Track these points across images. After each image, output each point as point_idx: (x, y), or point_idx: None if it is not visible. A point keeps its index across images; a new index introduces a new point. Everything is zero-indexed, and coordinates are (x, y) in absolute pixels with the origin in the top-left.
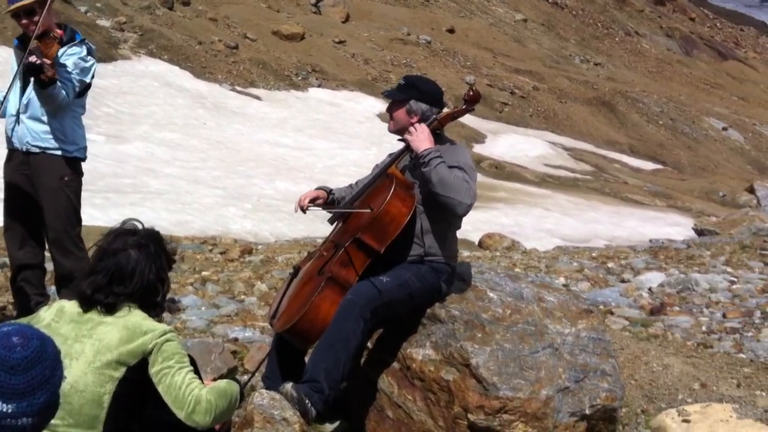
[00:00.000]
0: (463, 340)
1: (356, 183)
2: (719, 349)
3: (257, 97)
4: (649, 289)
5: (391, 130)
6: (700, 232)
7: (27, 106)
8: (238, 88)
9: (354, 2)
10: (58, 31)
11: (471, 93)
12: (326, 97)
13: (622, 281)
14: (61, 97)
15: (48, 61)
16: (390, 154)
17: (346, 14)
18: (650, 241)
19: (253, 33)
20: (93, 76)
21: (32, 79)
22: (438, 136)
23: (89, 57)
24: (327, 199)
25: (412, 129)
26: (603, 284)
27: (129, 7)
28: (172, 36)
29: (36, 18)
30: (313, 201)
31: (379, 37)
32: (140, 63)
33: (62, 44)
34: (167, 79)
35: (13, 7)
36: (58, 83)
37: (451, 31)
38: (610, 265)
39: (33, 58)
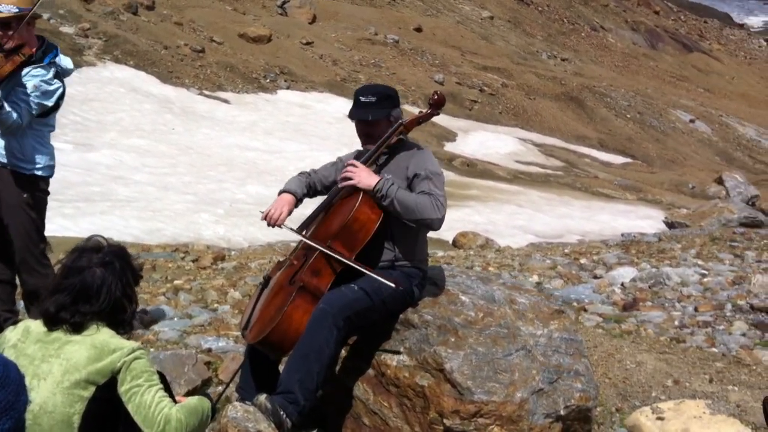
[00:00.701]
0: (437, 345)
1: (315, 171)
2: (692, 343)
3: (225, 101)
4: (622, 284)
5: (370, 147)
6: (670, 225)
7: None
8: (206, 92)
9: (320, 3)
10: (30, 51)
11: (436, 97)
12: (296, 99)
13: (595, 277)
14: (11, 121)
15: None
16: (358, 151)
17: (313, 15)
18: (622, 235)
19: (219, 36)
20: (60, 98)
21: None
22: (402, 142)
23: (55, 80)
24: (296, 205)
25: (349, 171)
26: (576, 281)
27: (92, 13)
28: (138, 41)
29: (10, 32)
30: (288, 213)
31: (347, 38)
32: (106, 69)
33: (27, 64)
34: (133, 84)
35: None
36: (6, 107)
37: (419, 29)
38: (582, 261)
39: None
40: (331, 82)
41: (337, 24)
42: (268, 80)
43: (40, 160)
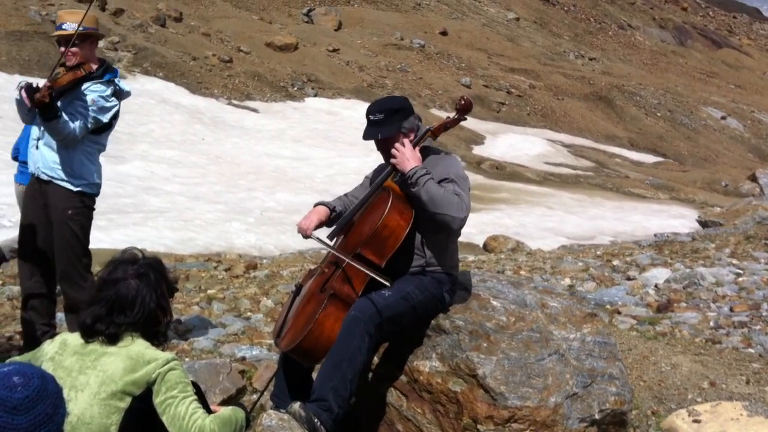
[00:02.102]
0: (469, 350)
1: (346, 195)
2: (727, 344)
3: (254, 110)
4: (655, 285)
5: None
6: (704, 224)
7: (43, 132)
8: (235, 102)
9: (345, 10)
10: (93, 66)
11: (463, 102)
12: (323, 106)
13: (628, 279)
14: (67, 131)
15: (48, 84)
16: (381, 165)
17: (339, 22)
18: (655, 235)
19: (246, 46)
20: (115, 117)
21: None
22: (428, 148)
23: (112, 98)
24: (330, 217)
25: (396, 149)
26: (609, 283)
27: (121, 26)
28: (166, 53)
29: (74, 50)
30: (317, 225)
31: (373, 44)
32: (136, 81)
33: (88, 79)
34: (163, 96)
35: (55, 34)
36: (64, 116)
37: (444, 33)
38: (615, 262)
39: (35, 82)
40: (358, 88)
41: (363, 30)
42: (295, 88)
43: (88, 177)
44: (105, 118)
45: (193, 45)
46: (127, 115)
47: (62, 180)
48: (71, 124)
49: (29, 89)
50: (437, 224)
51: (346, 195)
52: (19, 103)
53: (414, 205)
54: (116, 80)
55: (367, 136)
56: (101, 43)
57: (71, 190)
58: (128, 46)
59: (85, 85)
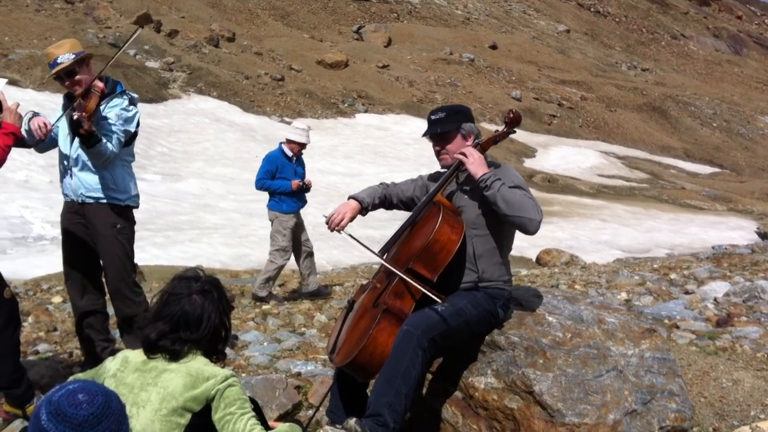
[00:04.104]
0: (525, 366)
1: (394, 184)
2: None
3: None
4: (715, 299)
5: (448, 164)
6: (763, 235)
7: (77, 159)
8: (287, 119)
9: (395, 26)
10: (100, 85)
11: (511, 115)
12: (373, 122)
13: (686, 293)
14: (108, 152)
15: (85, 115)
16: (430, 174)
17: (388, 38)
18: (713, 247)
19: (297, 64)
20: (138, 125)
21: (78, 138)
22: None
23: (131, 107)
24: (361, 212)
25: (465, 154)
26: (666, 297)
27: (176, 47)
28: (220, 72)
29: (78, 78)
30: (350, 219)
31: (422, 59)
32: (190, 101)
33: (103, 97)
34: (217, 114)
35: (53, 71)
36: (103, 140)
37: (494, 47)
38: (672, 276)
39: (74, 115)
40: (408, 104)
41: (412, 46)
42: (346, 105)
43: (131, 190)
44: (132, 127)
45: (246, 64)
46: (183, 134)
47: (108, 198)
48: (109, 145)
49: (75, 124)
50: (514, 228)
51: (392, 184)
52: (29, 133)
53: (468, 215)
54: (126, 89)
55: (427, 132)
56: (156, 64)
57: (119, 206)
58: (183, 66)
59: (101, 105)
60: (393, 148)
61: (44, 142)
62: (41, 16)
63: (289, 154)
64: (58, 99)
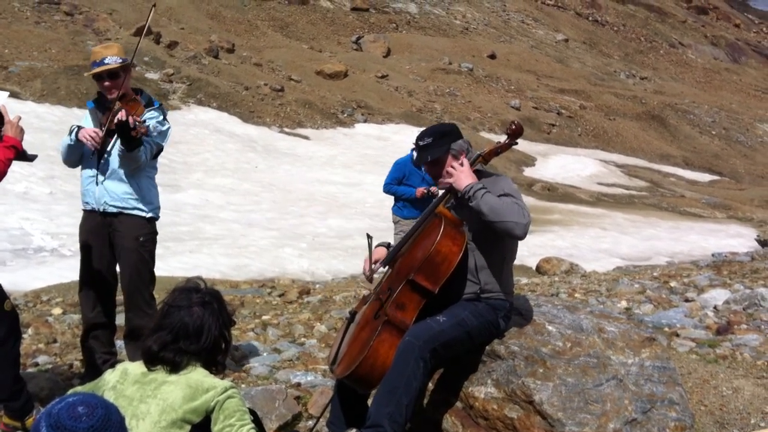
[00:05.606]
0: (525, 376)
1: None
2: None
3: (305, 137)
4: (715, 307)
5: (445, 187)
6: (763, 243)
7: (105, 167)
8: (287, 130)
9: (394, 36)
10: (137, 96)
11: (513, 126)
12: (373, 132)
13: (686, 300)
14: (142, 159)
15: (140, 119)
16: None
17: (387, 49)
18: (713, 255)
19: (297, 74)
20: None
21: (118, 139)
22: (479, 172)
23: (165, 121)
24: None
25: (449, 170)
26: (666, 305)
27: (176, 58)
28: (219, 83)
29: (119, 81)
30: (376, 262)
31: (421, 69)
32: (190, 112)
33: (144, 107)
34: (217, 125)
35: (98, 69)
36: (144, 144)
37: (493, 56)
38: (672, 284)
39: (122, 115)
40: (407, 113)
41: (411, 56)
42: (345, 115)
43: (155, 202)
44: (165, 142)
45: (246, 75)
46: (182, 144)
47: (134, 209)
48: (143, 153)
49: (125, 127)
50: (501, 234)
51: None
52: (76, 147)
53: (468, 228)
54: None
55: (418, 161)
56: (155, 76)
57: (144, 217)
58: (182, 77)
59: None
60: (393, 158)
61: (92, 153)
62: (41, 28)
63: None
64: (57, 111)
